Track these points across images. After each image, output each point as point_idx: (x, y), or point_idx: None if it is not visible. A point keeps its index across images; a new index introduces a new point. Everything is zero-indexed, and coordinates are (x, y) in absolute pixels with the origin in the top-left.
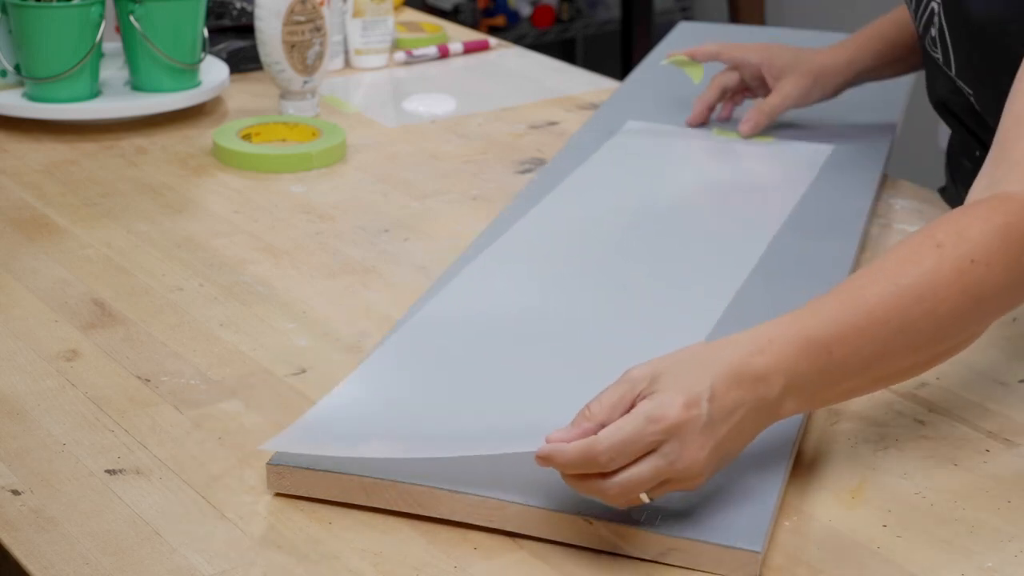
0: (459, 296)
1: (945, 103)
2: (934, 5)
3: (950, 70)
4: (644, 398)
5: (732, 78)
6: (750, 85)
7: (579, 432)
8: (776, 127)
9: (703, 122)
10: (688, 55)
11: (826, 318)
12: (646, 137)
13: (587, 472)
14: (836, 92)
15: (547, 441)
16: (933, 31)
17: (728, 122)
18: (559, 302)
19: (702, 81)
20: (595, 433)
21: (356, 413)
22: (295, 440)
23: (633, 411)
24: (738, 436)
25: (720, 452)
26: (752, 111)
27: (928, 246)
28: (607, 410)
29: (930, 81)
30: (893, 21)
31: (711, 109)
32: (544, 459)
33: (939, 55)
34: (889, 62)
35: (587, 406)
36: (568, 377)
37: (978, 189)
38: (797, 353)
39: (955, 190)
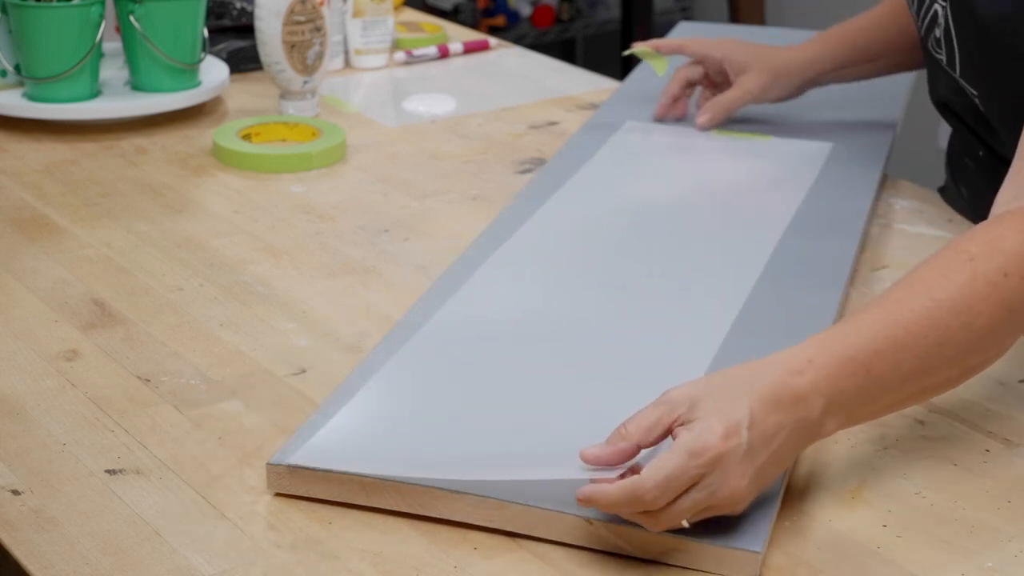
0: (468, 303)
1: (947, 104)
2: (937, 7)
3: (954, 71)
4: (683, 425)
5: (695, 71)
6: (714, 80)
7: (616, 452)
8: (774, 126)
9: (667, 115)
10: (653, 47)
11: (865, 335)
12: (646, 136)
13: (631, 510)
14: (798, 91)
15: (581, 457)
16: (937, 32)
17: (731, 122)
18: (569, 308)
19: (666, 74)
20: (632, 454)
21: (373, 432)
22: (313, 456)
23: (674, 446)
24: (779, 459)
25: (761, 477)
26: (709, 104)
27: (961, 259)
28: (643, 431)
29: (932, 82)
30: (859, 27)
31: (675, 100)
32: (585, 501)
33: (943, 56)
34: (850, 64)
35: (623, 425)
36: (586, 387)
37: (1004, 200)
38: (837, 372)
39: (956, 190)
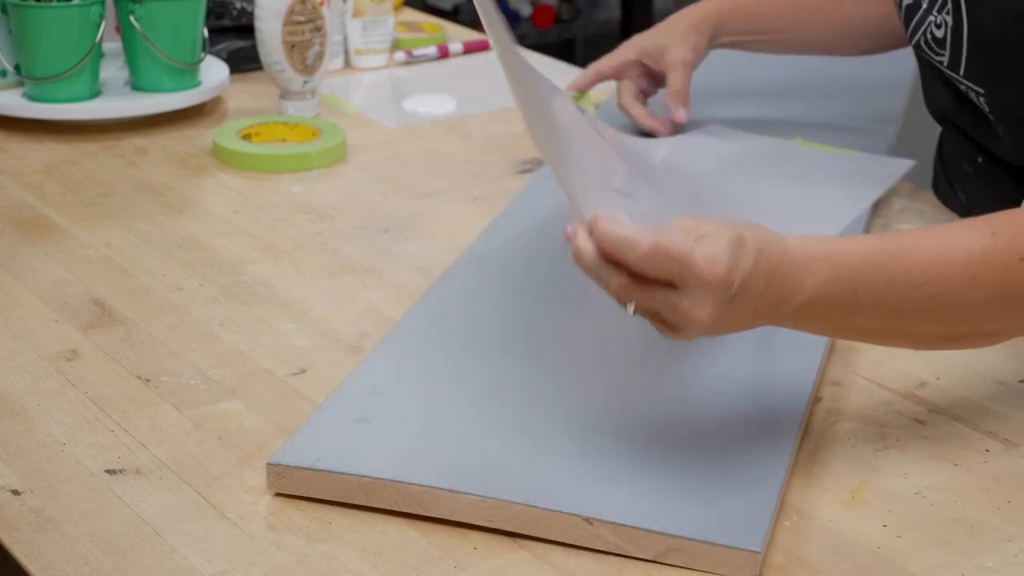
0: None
1: (944, 113)
2: (936, 16)
3: (958, 71)
4: (700, 239)
5: (629, 88)
6: (646, 89)
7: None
8: (775, 126)
9: (661, 128)
10: (574, 88)
11: (866, 256)
12: (731, 137)
13: (613, 256)
14: (707, 49)
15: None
16: (937, 32)
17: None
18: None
19: (596, 111)
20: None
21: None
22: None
23: (684, 239)
24: (736, 322)
25: (718, 325)
26: (668, 100)
27: (984, 231)
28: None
29: (927, 91)
30: None
31: (649, 117)
32: (592, 221)
33: (944, 56)
34: (743, 32)
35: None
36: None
37: None
38: (828, 281)
39: (951, 192)
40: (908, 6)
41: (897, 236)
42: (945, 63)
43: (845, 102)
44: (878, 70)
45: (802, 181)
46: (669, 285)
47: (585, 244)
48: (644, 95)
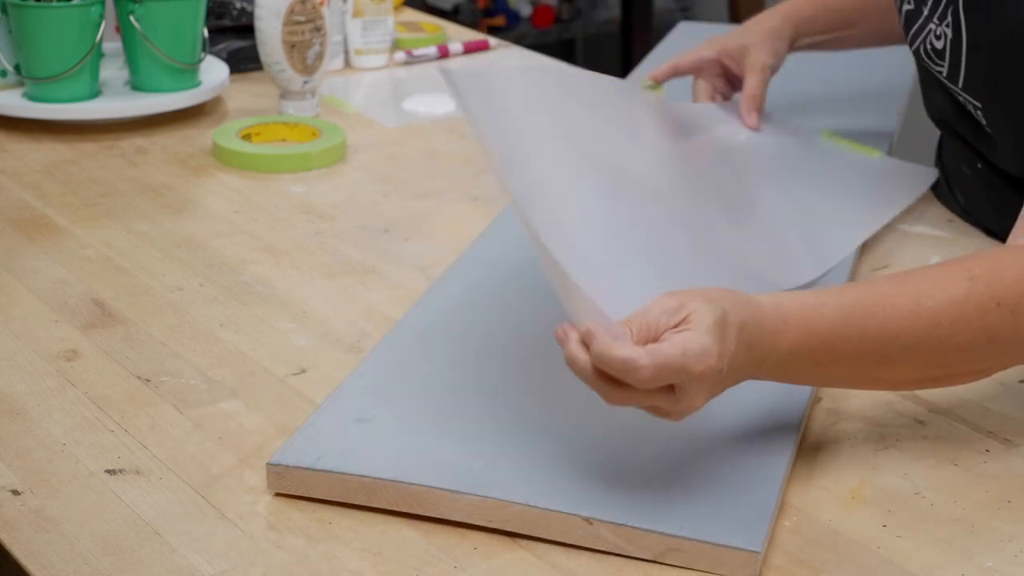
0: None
1: (944, 119)
2: (935, 23)
3: (956, 83)
4: (682, 332)
5: (705, 87)
6: (722, 89)
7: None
8: (774, 126)
9: (758, 124)
10: (651, 78)
11: (843, 316)
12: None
13: (615, 377)
14: (786, 53)
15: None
16: (937, 43)
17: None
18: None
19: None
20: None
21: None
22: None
23: (674, 344)
24: (721, 390)
25: (707, 400)
26: (743, 102)
27: (960, 276)
28: (643, 331)
29: (927, 96)
30: None
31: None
32: (587, 335)
33: (943, 67)
34: (824, 30)
35: (626, 322)
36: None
37: (1018, 232)
38: (802, 341)
39: (951, 194)
40: (908, 12)
41: (873, 286)
42: (944, 74)
43: (845, 102)
44: (878, 72)
45: (830, 186)
46: (667, 389)
47: (580, 355)
48: (720, 96)
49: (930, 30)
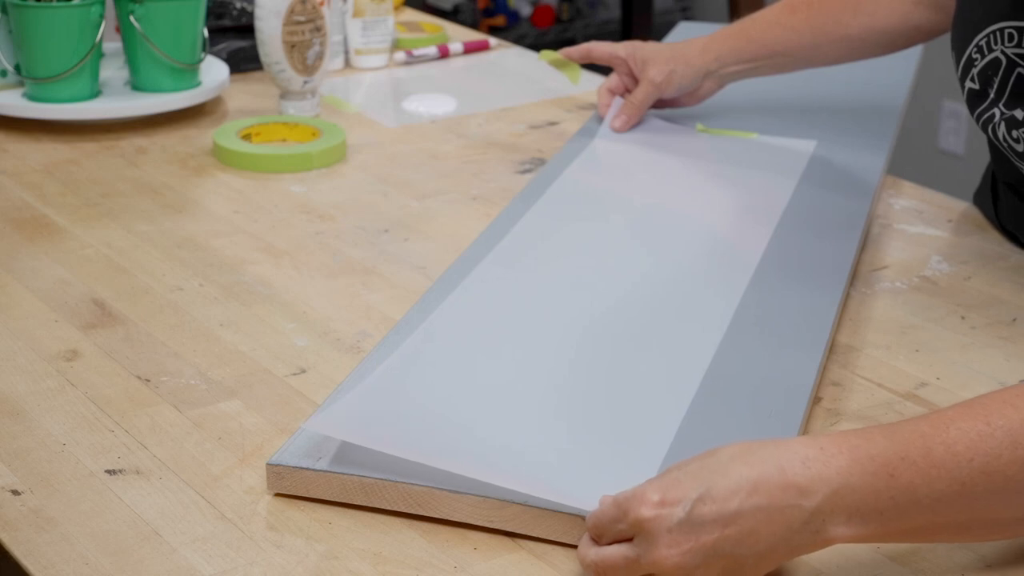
0: (466, 304)
1: (1014, 185)
2: (1005, 112)
3: None
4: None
5: (613, 81)
6: (627, 85)
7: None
8: (774, 125)
9: (621, 127)
10: (564, 55)
11: (895, 439)
12: (628, 136)
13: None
14: (702, 80)
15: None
16: (1013, 132)
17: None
18: (562, 310)
19: (579, 83)
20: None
21: (373, 432)
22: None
23: (614, 497)
24: (751, 545)
25: (715, 557)
26: (622, 106)
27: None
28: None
29: (996, 159)
30: (756, 20)
31: (608, 108)
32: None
33: (1021, 147)
34: (749, 58)
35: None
36: (584, 389)
37: None
38: (849, 466)
39: (994, 210)
40: (972, 91)
41: (928, 414)
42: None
43: (846, 101)
44: (877, 73)
45: (724, 171)
46: (624, 541)
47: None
48: (624, 92)
49: (999, 114)
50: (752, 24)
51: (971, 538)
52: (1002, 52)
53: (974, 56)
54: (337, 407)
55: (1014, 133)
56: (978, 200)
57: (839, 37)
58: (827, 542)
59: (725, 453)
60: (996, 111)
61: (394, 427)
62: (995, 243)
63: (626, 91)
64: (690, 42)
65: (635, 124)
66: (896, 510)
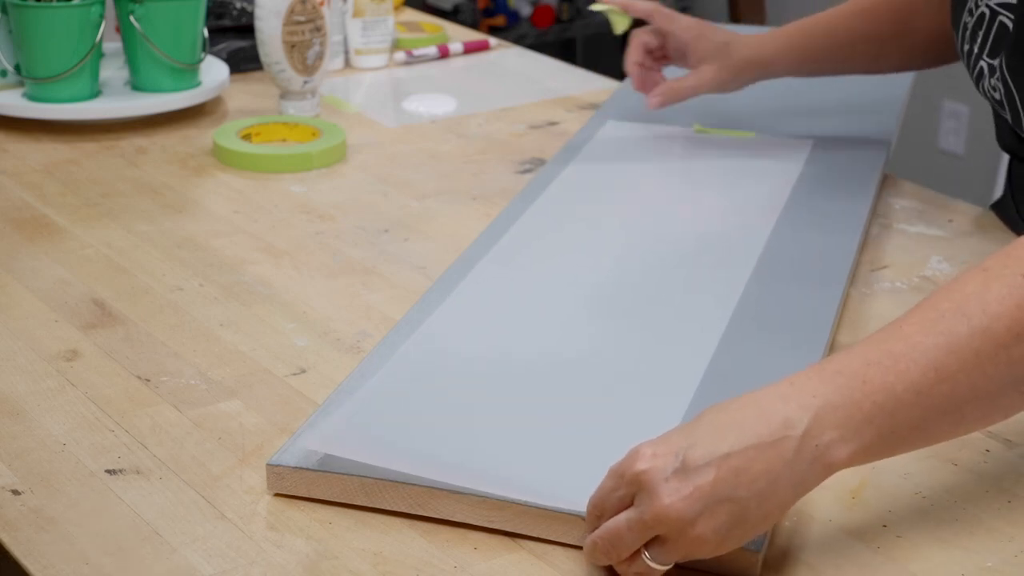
0: (465, 305)
1: (1013, 151)
2: (983, 64)
3: (1020, 127)
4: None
5: (653, 40)
6: (671, 55)
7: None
8: (774, 125)
9: (645, 86)
10: (621, 6)
11: (855, 350)
12: (628, 135)
13: (588, 547)
14: (752, 82)
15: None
16: (995, 94)
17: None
18: (562, 312)
19: (624, 32)
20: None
21: (373, 433)
22: (313, 456)
23: (608, 470)
24: (748, 485)
25: (716, 503)
26: (665, 86)
27: (973, 272)
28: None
29: (998, 124)
30: (825, 23)
31: (642, 67)
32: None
33: (1007, 115)
34: (809, 61)
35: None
36: (584, 388)
37: None
38: (823, 385)
39: (1018, 217)
40: (966, 51)
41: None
42: (1009, 120)
43: (846, 101)
44: (874, 80)
45: (721, 171)
46: (627, 508)
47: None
48: (651, 53)
49: (986, 74)
50: (821, 26)
51: (973, 423)
52: (987, 6)
53: (967, 20)
54: (329, 423)
55: (991, 81)
56: (998, 207)
57: (899, 47)
58: (830, 467)
59: (708, 410)
60: (983, 63)
61: (390, 439)
62: (995, 243)
63: (661, 58)
64: (760, 45)
65: (666, 106)
66: (883, 414)
